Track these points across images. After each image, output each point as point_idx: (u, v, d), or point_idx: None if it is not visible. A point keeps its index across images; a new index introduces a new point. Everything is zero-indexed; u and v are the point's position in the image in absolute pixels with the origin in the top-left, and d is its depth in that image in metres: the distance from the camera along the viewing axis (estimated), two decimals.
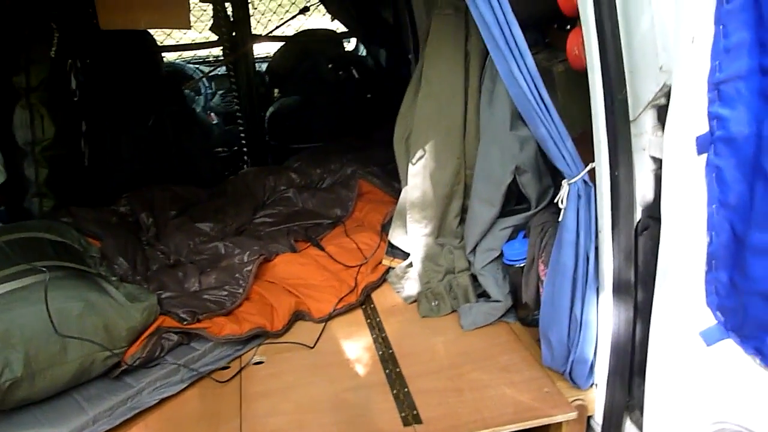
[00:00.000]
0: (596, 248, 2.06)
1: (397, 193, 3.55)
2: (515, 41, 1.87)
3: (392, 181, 3.65)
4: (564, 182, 2.07)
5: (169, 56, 6.07)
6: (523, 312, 2.61)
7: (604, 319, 2.11)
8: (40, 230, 2.62)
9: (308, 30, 5.09)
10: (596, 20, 1.70)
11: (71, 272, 2.36)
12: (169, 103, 4.03)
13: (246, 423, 2.17)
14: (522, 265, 2.53)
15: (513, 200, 2.70)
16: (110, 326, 2.26)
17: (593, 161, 1.98)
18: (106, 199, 3.48)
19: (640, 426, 2.01)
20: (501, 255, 2.61)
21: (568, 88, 2.12)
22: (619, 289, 2.01)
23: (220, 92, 5.91)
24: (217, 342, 2.49)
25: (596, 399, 2.21)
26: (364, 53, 5.38)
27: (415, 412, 2.16)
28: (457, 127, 2.68)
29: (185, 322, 2.46)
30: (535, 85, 1.92)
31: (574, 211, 2.06)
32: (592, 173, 2.03)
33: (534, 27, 2.46)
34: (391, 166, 3.77)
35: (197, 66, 6.08)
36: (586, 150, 2.04)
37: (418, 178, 2.77)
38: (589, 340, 2.15)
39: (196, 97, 6.03)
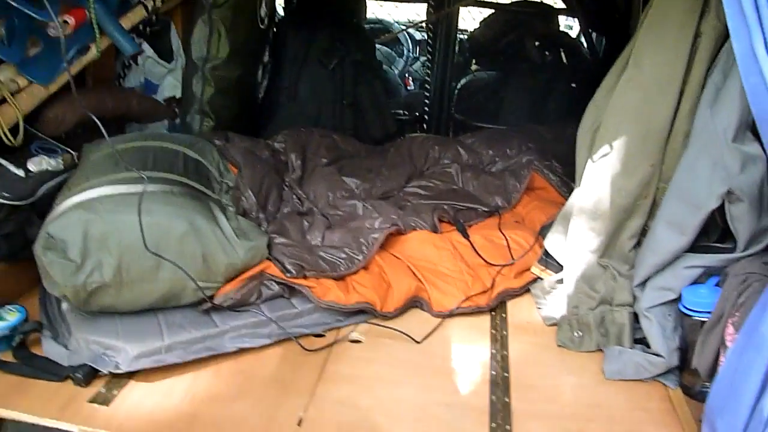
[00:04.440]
0: None
1: None
2: None
3: (572, 182, 3.12)
4: None
5: (380, 15, 5.99)
6: (690, 379, 2.01)
7: None
8: (183, 144, 2.55)
9: (522, 1, 4.61)
10: None
11: (189, 191, 2.23)
12: (356, 51, 3.84)
13: (314, 405, 1.89)
14: (704, 319, 1.93)
15: (715, 234, 2.08)
16: (209, 257, 2.09)
17: None
18: (270, 134, 3.39)
19: None
20: (678, 299, 2.02)
21: None
22: None
23: (423, 59, 5.67)
24: (317, 305, 2.24)
25: None
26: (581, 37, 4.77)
27: None
28: (661, 127, 2.11)
29: (288, 275, 2.23)
30: None
31: None
32: None
33: None
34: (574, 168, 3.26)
35: (404, 28, 5.90)
36: None
37: (595, 179, 2.24)
38: None
39: (397, 59, 5.88)
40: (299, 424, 1.81)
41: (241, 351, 2.07)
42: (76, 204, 2.02)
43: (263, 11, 3.36)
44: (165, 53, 3.38)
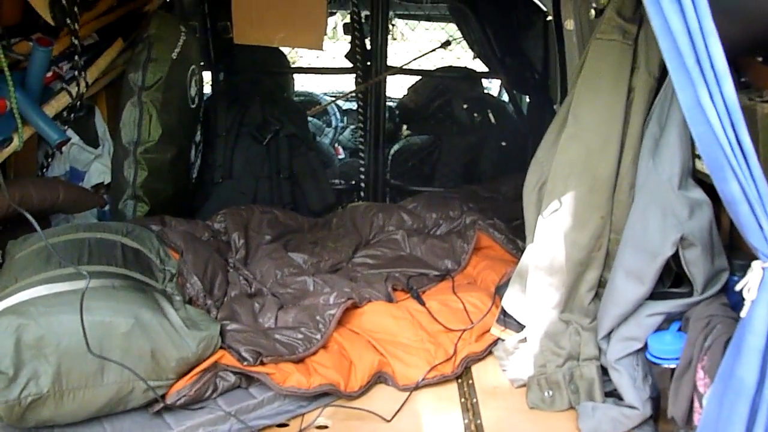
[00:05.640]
0: None
1: (521, 252, 3.05)
2: (710, 59, 1.37)
3: (517, 239, 3.16)
4: (756, 264, 1.50)
5: (307, 87, 6.04)
6: (667, 428, 2.00)
7: None
8: (119, 233, 2.41)
9: (447, 67, 4.77)
10: None
11: (131, 283, 2.09)
12: (289, 124, 3.81)
13: None
14: (672, 366, 1.93)
15: (668, 280, 2.11)
16: (159, 353, 1.94)
17: None
18: (207, 214, 3.27)
19: None
20: (644, 348, 2.02)
21: None
22: None
23: (352, 127, 5.72)
24: (278, 393, 2.10)
25: None
26: (506, 98, 4.96)
27: None
28: (606, 179, 2.16)
29: (246, 363, 2.09)
30: (732, 123, 1.39)
31: (767, 307, 1.47)
32: None
33: (727, 60, 1.92)
34: (517, 223, 3.30)
35: (335, 99, 5.97)
36: None
37: (548, 235, 2.25)
38: None
39: (326, 129, 5.91)
40: None
41: None
42: (6, 309, 1.84)
43: (194, 90, 3.29)
44: (90, 139, 3.25)
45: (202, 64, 3.70)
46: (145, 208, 2.97)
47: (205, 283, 2.48)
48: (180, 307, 2.13)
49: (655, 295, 2.05)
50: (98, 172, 3.23)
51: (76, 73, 2.83)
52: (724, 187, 1.46)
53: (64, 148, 3.01)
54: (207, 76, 4.24)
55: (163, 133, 2.95)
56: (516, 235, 3.19)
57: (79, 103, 2.91)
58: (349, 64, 4.43)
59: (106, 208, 3.24)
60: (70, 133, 3.02)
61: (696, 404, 1.86)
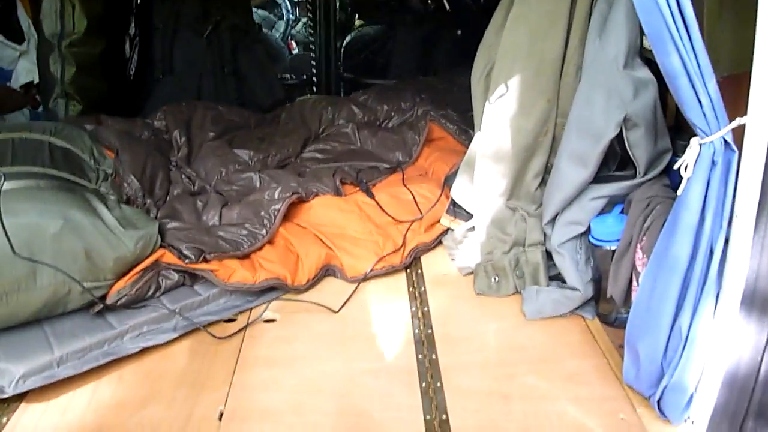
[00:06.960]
0: (726, 240, 1.47)
1: None
2: None
3: (469, 129, 3.10)
4: (694, 140, 1.48)
5: None
6: (606, 308, 2.04)
7: (719, 339, 1.53)
8: (47, 132, 2.27)
9: None
10: None
11: (59, 183, 2.00)
12: (231, 16, 3.58)
13: (234, 395, 1.76)
14: (613, 248, 1.95)
15: (613, 164, 2.10)
16: (94, 253, 1.88)
17: (742, 116, 1.38)
18: (149, 113, 3.12)
19: None
20: (587, 231, 2.04)
21: (719, 9, 1.49)
22: (752, 301, 1.47)
23: (304, 20, 5.45)
24: (224, 289, 2.08)
25: None
26: None
27: (444, 416, 1.69)
28: (553, 62, 2.08)
29: (187, 261, 2.05)
30: None
31: (703, 184, 1.47)
32: (737, 133, 1.42)
33: None
34: (471, 114, 3.23)
35: None
36: (730, 102, 1.44)
37: (495, 122, 2.20)
38: (694, 363, 1.59)
39: (277, 22, 5.64)
40: (220, 418, 1.68)
41: (145, 350, 1.90)
42: None
43: None
44: (13, 34, 3.01)
45: None
46: (77, 107, 2.81)
47: (144, 183, 2.39)
48: (114, 207, 2.05)
49: (599, 179, 2.04)
50: (26, 71, 3.02)
51: None
52: (665, 60, 1.40)
53: None
54: None
55: (88, 25, 2.74)
56: (469, 126, 3.12)
57: None
58: None
59: (40, 109, 3.06)
60: None
61: (634, 284, 1.90)
